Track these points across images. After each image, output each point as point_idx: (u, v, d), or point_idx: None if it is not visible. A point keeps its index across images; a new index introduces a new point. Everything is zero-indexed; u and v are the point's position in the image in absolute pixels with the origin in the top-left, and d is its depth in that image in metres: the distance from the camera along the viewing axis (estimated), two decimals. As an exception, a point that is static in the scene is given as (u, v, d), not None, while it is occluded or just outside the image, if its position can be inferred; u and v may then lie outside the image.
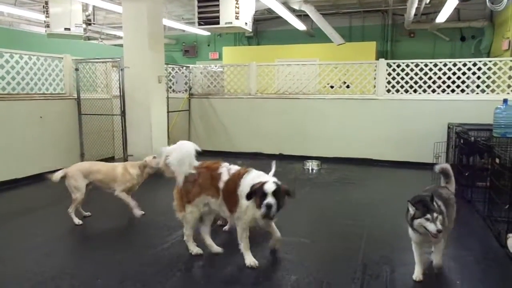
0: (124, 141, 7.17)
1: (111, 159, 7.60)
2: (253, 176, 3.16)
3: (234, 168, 3.37)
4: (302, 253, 3.66)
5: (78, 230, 4.29)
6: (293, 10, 9.92)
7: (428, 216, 2.73)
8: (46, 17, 6.55)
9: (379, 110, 7.77)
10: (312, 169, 7.41)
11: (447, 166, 3.50)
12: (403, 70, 7.62)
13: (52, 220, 4.61)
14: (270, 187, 2.95)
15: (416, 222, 2.80)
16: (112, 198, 4.43)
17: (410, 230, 2.98)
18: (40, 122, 6.54)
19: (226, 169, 3.36)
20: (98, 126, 7.45)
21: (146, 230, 4.27)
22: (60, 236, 4.14)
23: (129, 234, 4.16)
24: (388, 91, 7.76)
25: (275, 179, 3.07)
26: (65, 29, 6.57)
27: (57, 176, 4.34)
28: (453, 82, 7.35)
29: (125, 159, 7.19)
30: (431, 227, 2.71)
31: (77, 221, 4.34)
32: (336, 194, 5.84)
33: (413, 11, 9.25)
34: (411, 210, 2.84)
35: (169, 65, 9.13)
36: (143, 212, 4.50)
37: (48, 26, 6.61)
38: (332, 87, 8.46)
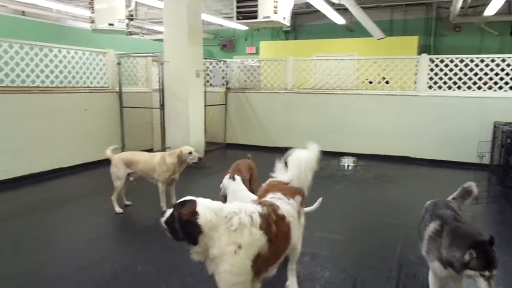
0: (163, 133, 7.37)
1: (149, 151, 7.82)
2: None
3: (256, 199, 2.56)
4: (337, 249, 3.64)
5: (119, 218, 4.47)
6: (332, 4, 9.75)
7: (487, 273, 2.06)
8: (92, 12, 6.79)
9: (420, 106, 7.54)
10: (348, 166, 7.31)
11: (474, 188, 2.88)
12: (446, 65, 7.34)
13: (95, 208, 4.82)
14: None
15: (467, 272, 2.11)
16: (152, 188, 4.57)
17: (435, 264, 2.34)
18: (85, 114, 6.82)
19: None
20: (138, 119, 7.69)
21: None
22: (102, 224, 4.33)
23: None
24: (430, 87, 7.51)
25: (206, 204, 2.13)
26: (109, 24, 6.78)
27: (108, 152, 4.62)
28: (501, 78, 7.00)
29: (163, 151, 7.39)
30: (483, 285, 2.06)
31: (118, 209, 4.52)
32: (372, 192, 5.74)
33: (459, 4, 8.86)
34: (467, 256, 2.08)
35: (207, 60, 9.26)
36: None
37: (93, 21, 6.84)
38: (370, 82, 8.29)
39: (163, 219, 2.15)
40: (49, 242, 3.79)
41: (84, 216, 4.56)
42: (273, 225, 2.19)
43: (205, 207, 2.09)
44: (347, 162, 7.41)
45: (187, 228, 2.06)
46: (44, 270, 3.24)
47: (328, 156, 8.04)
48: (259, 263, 2.12)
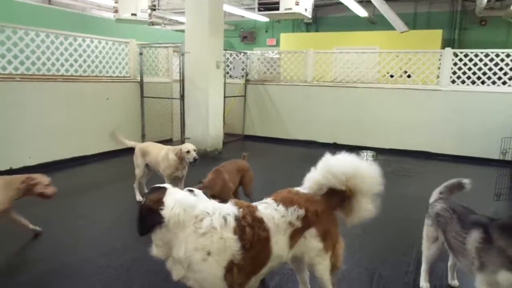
0: (182, 124, 7.44)
1: (169, 141, 7.93)
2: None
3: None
4: (354, 243, 3.64)
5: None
6: (354, -4, 9.63)
7: None
8: (115, 2, 6.88)
9: (442, 101, 7.41)
10: (367, 160, 7.25)
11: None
12: (471, 60, 7.18)
13: (118, 195, 4.93)
14: None
15: None
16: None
17: (502, 274, 2.01)
18: (107, 103, 6.95)
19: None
20: (158, 109, 7.79)
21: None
22: (124, 210, 4.43)
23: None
24: (453, 82, 7.37)
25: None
26: (132, 14, 6.87)
27: (128, 143, 4.77)
28: (528, 74, 6.82)
29: (182, 141, 7.48)
30: None
31: (139, 197, 4.62)
32: (391, 187, 5.63)
33: (486, -3, 8.64)
34: None
35: (227, 51, 9.28)
36: None
37: (116, 11, 6.94)
38: (392, 76, 8.18)
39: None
40: (71, 228, 3.91)
41: (106, 203, 4.68)
42: (248, 228, 1.94)
43: (175, 199, 1.89)
44: (366, 156, 7.35)
45: (145, 216, 1.89)
46: (67, 254, 3.35)
47: (347, 149, 8.00)
48: (234, 273, 1.90)
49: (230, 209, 1.98)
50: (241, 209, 2.00)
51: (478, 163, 7.01)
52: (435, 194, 2.87)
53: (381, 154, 7.52)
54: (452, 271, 2.88)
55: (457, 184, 2.81)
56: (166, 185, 2.02)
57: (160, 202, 1.87)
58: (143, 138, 7.54)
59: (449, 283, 2.88)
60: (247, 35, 14.40)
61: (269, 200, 2.20)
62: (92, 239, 3.66)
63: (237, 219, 1.94)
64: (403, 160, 7.21)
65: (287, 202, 2.15)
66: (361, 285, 2.89)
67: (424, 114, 7.56)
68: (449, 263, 2.88)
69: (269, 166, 6.45)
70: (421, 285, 2.82)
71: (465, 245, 2.25)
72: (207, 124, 7.24)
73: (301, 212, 2.14)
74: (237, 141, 8.97)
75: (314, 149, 7.99)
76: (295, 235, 2.15)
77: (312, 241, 2.23)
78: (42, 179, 3.29)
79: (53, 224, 3.95)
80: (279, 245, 2.07)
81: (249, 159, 4.42)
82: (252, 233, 1.93)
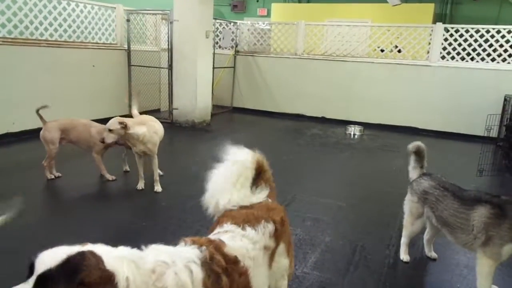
0: (170, 94, 7.35)
1: (157, 112, 7.83)
2: None
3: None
4: (338, 215, 3.71)
5: (127, 176, 4.55)
6: (348, -34, 9.42)
7: None
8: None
9: (431, 77, 7.44)
10: (354, 134, 7.31)
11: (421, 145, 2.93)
12: (461, 35, 7.17)
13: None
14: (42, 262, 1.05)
15: None
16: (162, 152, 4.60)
17: (508, 246, 2.17)
18: (93, 70, 6.79)
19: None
20: (146, 78, 7.64)
21: (189, 181, 4.45)
22: (106, 183, 4.41)
23: (173, 184, 4.36)
24: (443, 57, 7.37)
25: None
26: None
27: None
28: (517, 51, 6.86)
29: (170, 112, 7.41)
30: None
31: (125, 168, 4.60)
32: (377, 161, 5.77)
33: (480, -29, 8.54)
34: None
35: (217, 20, 9.08)
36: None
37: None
38: (382, 50, 8.14)
39: None
40: (58, 196, 3.89)
41: (89, 172, 4.63)
42: (223, 276, 1.34)
43: (116, 257, 1.14)
44: (354, 130, 7.40)
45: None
46: (53, 220, 3.35)
47: (335, 124, 8.06)
48: None
49: (189, 252, 1.33)
50: (204, 248, 1.36)
51: (463, 139, 7.12)
52: (414, 170, 2.95)
53: (369, 129, 7.57)
54: (429, 244, 2.98)
55: (417, 151, 2.93)
56: (86, 247, 1.13)
57: (110, 277, 1.07)
58: (130, 108, 7.41)
59: (428, 256, 2.97)
60: (237, 4, 14.05)
61: (228, 226, 1.60)
62: (75, 207, 3.66)
63: (203, 264, 1.31)
64: (390, 135, 7.28)
65: (251, 221, 1.64)
66: (344, 256, 2.96)
67: (413, 89, 7.59)
68: (426, 237, 2.98)
69: (256, 139, 6.45)
70: (401, 258, 2.90)
71: (469, 221, 2.32)
72: (196, 95, 7.15)
73: (271, 226, 1.68)
74: (225, 113, 8.93)
75: (302, 123, 8.00)
76: (271, 259, 1.70)
77: (281, 261, 1.83)
78: None
79: (34, 193, 3.93)
80: (259, 281, 1.58)
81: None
82: (230, 283, 1.35)
